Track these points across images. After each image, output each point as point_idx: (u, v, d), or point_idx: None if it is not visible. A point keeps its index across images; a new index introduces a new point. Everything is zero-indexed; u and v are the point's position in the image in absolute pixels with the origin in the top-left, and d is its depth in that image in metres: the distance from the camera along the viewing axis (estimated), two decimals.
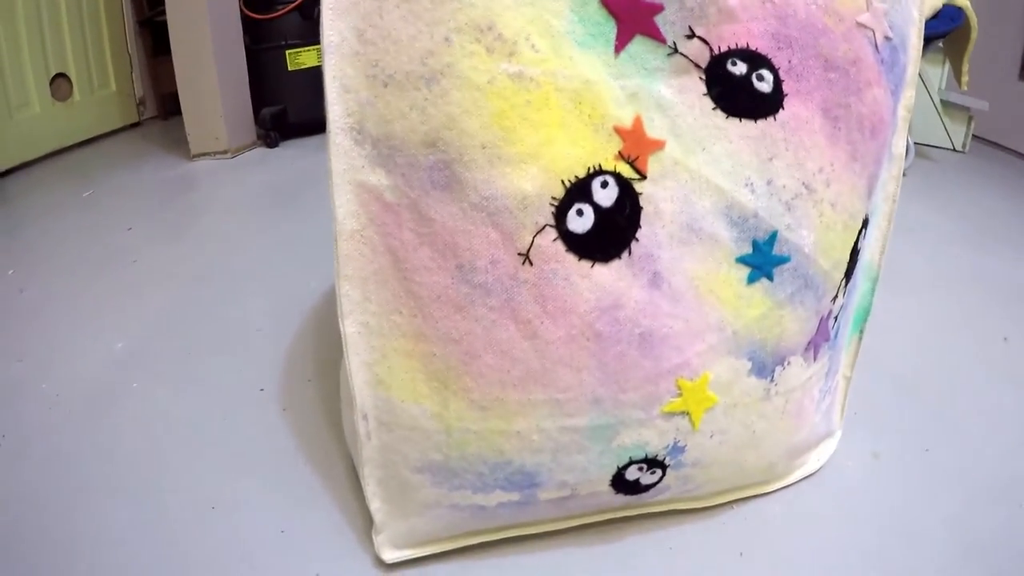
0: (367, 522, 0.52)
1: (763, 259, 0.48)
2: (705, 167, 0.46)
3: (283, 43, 1.84)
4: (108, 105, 2.11)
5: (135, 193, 1.51)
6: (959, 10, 1.39)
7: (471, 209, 0.43)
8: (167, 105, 2.29)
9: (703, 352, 0.47)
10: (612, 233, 0.44)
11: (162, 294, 0.96)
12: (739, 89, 0.47)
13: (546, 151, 0.43)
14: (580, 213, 0.43)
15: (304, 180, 1.52)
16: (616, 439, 0.47)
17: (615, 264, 0.45)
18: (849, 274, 0.53)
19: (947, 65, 1.78)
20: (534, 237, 0.43)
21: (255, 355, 0.79)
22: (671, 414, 0.47)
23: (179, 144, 1.84)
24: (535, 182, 0.43)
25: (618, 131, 0.44)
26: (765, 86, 0.47)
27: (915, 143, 1.82)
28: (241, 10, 1.82)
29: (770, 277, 0.48)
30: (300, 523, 0.53)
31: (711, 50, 0.47)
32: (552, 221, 0.43)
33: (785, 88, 0.48)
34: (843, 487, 0.60)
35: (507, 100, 0.42)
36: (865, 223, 0.54)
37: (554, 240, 0.43)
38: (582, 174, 0.43)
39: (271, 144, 1.88)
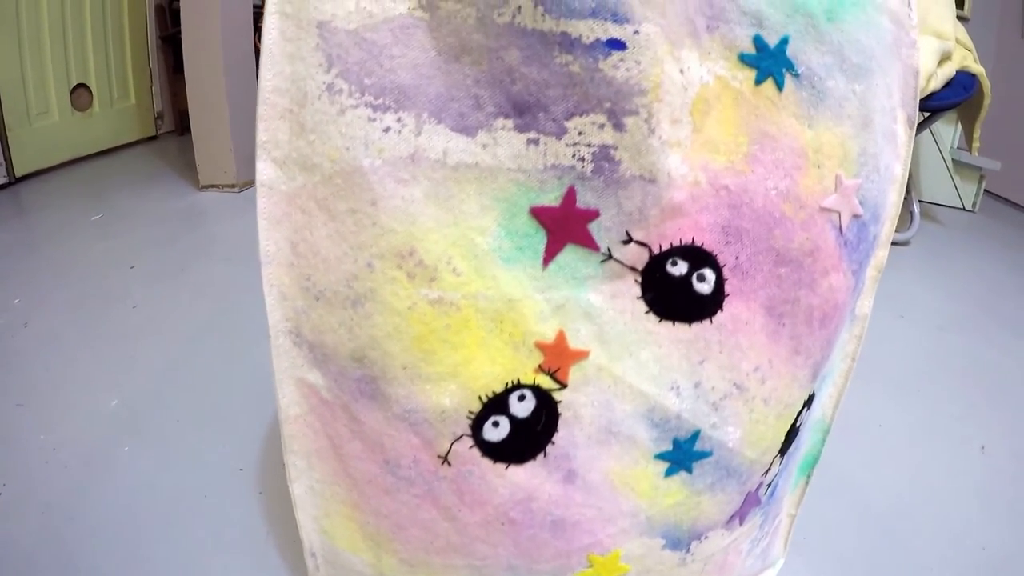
0: None
1: (682, 455, 0.49)
2: (630, 372, 0.47)
3: None
4: (127, 117, 2.12)
5: (142, 222, 1.57)
6: (972, 77, 1.28)
7: (394, 419, 0.46)
8: (184, 120, 2.29)
9: (615, 534, 0.50)
10: (527, 440, 0.47)
11: (157, 348, 1.04)
12: (676, 291, 0.47)
13: (464, 370, 0.45)
14: (496, 424, 0.46)
15: None
16: None
17: (530, 464, 0.48)
18: (784, 450, 0.54)
19: (959, 124, 1.71)
20: (452, 444, 0.46)
21: (237, 431, 0.84)
22: None
23: (190, 167, 1.86)
24: (453, 398, 0.45)
25: (539, 346, 0.46)
26: (705, 287, 0.47)
27: (923, 201, 1.76)
28: (256, 48, 1.79)
29: (689, 471, 0.50)
30: None
31: (650, 251, 0.46)
32: (469, 432, 0.46)
33: (727, 287, 0.47)
34: None
35: (427, 325, 0.44)
36: (810, 399, 0.53)
37: (470, 447, 0.46)
38: (500, 389, 0.46)
39: None
